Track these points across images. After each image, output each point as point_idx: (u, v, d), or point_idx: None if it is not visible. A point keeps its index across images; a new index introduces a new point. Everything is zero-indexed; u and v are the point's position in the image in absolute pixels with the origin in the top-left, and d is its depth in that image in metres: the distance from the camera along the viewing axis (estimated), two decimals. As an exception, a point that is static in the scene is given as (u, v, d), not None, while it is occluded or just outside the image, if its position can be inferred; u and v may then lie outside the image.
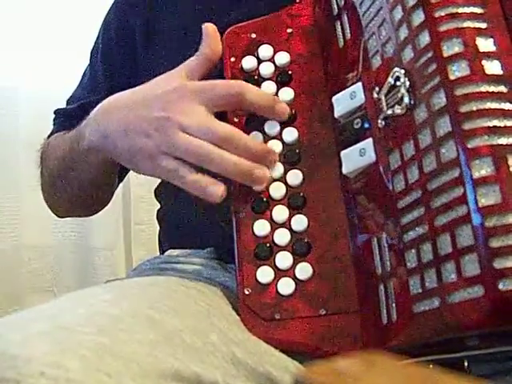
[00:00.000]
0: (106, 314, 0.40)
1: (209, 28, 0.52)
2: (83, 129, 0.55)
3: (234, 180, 0.49)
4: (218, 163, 0.47)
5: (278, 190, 0.50)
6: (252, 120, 0.52)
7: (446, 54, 0.38)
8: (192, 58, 0.52)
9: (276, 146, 0.51)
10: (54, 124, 0.76)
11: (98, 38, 0.75)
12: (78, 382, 0.33)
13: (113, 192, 0.73)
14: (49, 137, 0.74)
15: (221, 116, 0.51)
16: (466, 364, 0.43)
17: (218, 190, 0.47)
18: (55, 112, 0.76)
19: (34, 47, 1.13)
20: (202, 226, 0.61)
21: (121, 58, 0.71)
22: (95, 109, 0.54)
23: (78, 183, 0.63)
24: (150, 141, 0.48)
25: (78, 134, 0.57)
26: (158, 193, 0.72)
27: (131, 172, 0.60)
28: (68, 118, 0.73)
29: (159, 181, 0.71)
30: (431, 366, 0.38)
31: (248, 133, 0.51)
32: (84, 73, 0.76)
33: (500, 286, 0.33)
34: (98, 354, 0.35)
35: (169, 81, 0.50)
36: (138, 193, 1.15)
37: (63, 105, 0.76)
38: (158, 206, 0.72)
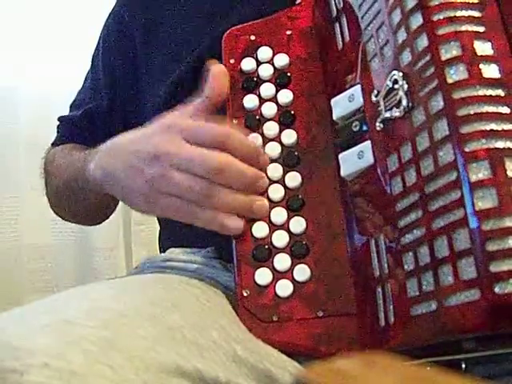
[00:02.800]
0: (108, 309, 0.41)
1: (215, 69, 0.51)
2: (88, 162, 0.55)
3: None
4: (215, 202, 0.47)
5: (276, 192, 0.50)
6: (251, 122, 0.52)
7: (443, 58, 0.38)
8: (197, 101, 0.51)
9: (275, 148, 0.51)
10: (58, 131, 0.76)
11: (98, 42, 0.75)
12: (80, 375, 0.34)
13: (117, 204, 0.74)
14: (53, 144, 0.74)
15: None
16: (463, 366, 0.43)
17: (238, 223, 0.48)
18: (59, 119, 0.76)
19: (34, 48, 1.13)
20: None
21: (121, 63, 0.71)
22: (102, 145, 0.54)
23: (83, 205, 0.65)
24: (142, 178, 0.48)
25: (84, 165, 0.57)
26: None
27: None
28: (72, 126, 0.73)
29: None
30: (428, 368, 0.39)
31: (247, 135, 0.51)
32: (86, 77, 0.77)
33: (496, 290, 0.34)
34: (100, 348, 0.36)
35: (166, 119, 0.50)
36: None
37: (63, 105, 0.76)
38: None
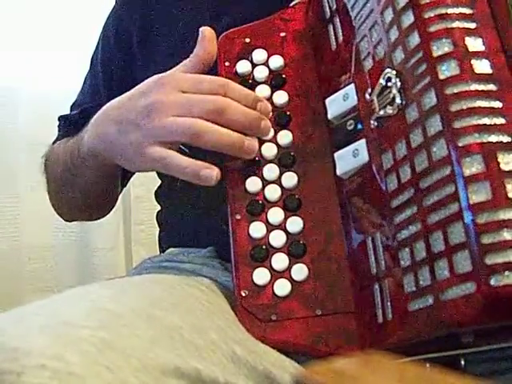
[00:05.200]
0: (106, 310, 0.40)
1: (205, 31, 0.53)
2: (83, 134, 0.56)
3: (227, 174, 0.50)
4: (209, 137, 0.47)
5: (273, 193, 0.50)
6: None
7: (435, 54, 0.39)
8: (186, 60, 0.52)
9: (271, 148, 0.52)
10: (58, 130, 0.77)
11: (97, 44, 0.76)
12: (78, 375, 0.33)
13: (117, 197, 0.74)
14: (53, 143, 0.75)
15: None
16: (462, 363, 0.43)
17: (211, 173, 0.48)
18: (59, 118, 0.77)
19: (34, 48, 1.13)
20: (202, 227, 0.62)
21: (119, 64, 0.72)
22: (95, 114, 0.55)
23: (81, 189, 0.64)
24: (138, 131, 0.49)
25: (79, 140, 0.58)
26: (158, 194, 0.72)
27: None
28: (70, 124, 0.74)
29: (159, 182, 0.72)
30: (427, 365, 0.39)
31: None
32: (85, 79, 0.77)
33: (492, 282, 0.34)
34: (98, 349, 0.36)
35: (161, 77, 0.51)
36: (138, 193, 1.15)
37: (63, 105, 0.77)
38: (158, 206, 0.72)
